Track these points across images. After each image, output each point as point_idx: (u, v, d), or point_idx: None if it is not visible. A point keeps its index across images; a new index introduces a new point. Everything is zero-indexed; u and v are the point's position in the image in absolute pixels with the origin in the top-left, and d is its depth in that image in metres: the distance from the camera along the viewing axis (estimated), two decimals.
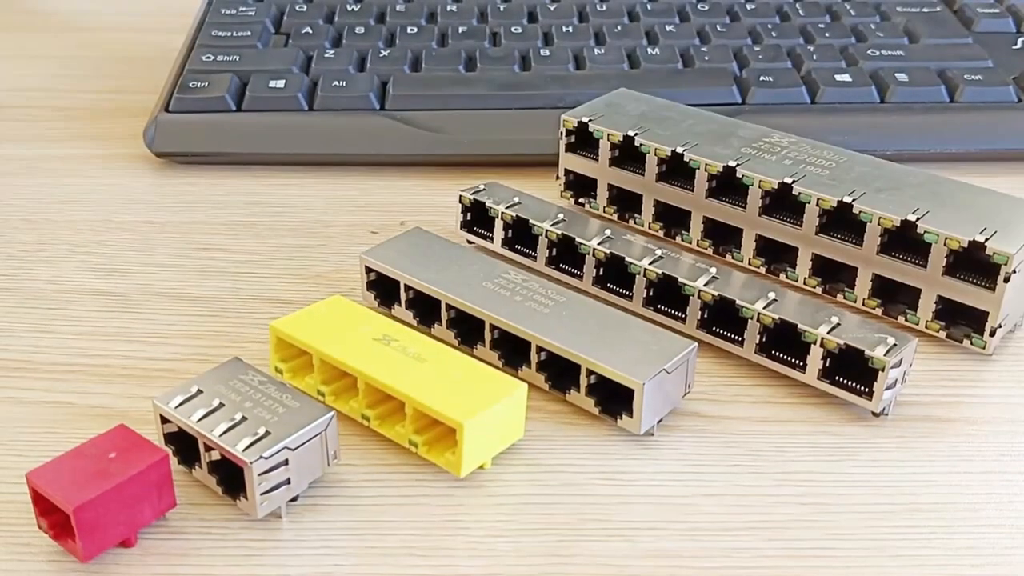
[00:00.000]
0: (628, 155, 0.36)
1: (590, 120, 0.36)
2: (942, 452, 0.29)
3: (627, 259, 0.32)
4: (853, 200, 0.32)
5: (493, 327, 0.30)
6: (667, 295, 0.32)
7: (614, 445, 0.29)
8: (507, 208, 0.35)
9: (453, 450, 0.27)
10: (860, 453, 0.29)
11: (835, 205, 0.32)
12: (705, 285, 0.31)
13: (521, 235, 0.35)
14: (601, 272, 0.33)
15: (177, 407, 0.26)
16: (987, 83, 0.43)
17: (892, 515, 0.27)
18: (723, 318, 0.31)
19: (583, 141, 0.37)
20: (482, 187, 0.36)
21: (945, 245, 0.30)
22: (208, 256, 0.37)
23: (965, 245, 0.30)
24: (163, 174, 0.42)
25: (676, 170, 0.35)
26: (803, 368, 0.30)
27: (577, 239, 0.33)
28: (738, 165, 0.33)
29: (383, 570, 0.25)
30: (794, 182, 0.33)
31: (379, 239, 0.35)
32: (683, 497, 0.27)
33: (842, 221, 0.32)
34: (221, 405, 0.26)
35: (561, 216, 0.34)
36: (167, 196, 0.41)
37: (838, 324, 0.29)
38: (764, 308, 0.30)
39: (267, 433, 0.26)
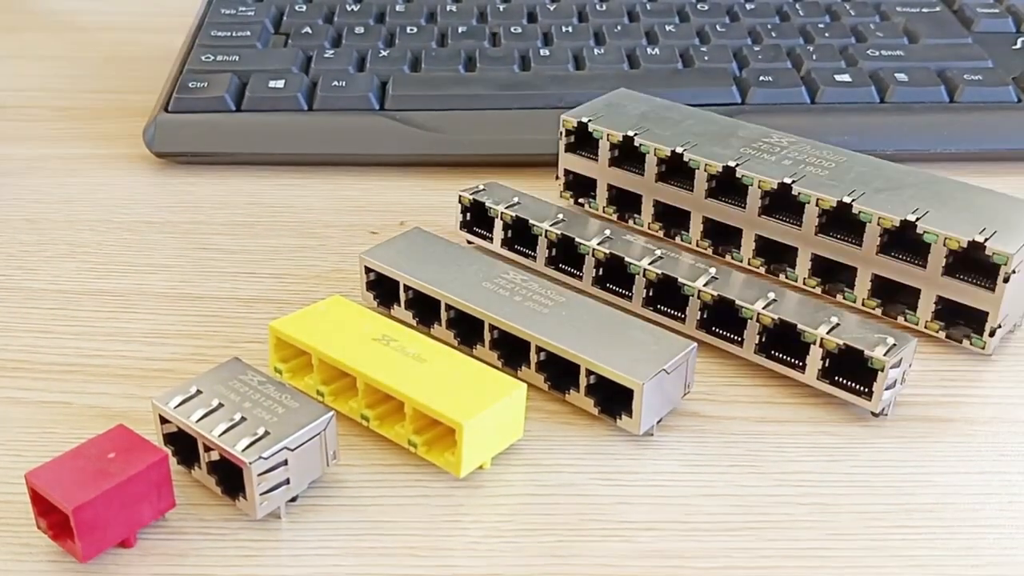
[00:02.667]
0: (628, 155, 0.36)
1: (590, 120, 0.36)
2: (941, 452, 0.29)
3: (627, 259, 0.32)
4: (852, 200, 0.32)
5: (492, 327, 0.30)
6: (667, 295, 0.32)
7: (613, 445, 0.29)
8: (507, 208, 0.35)
9: (452, 450, 0.27)
10: (859, 453, 0.29)
11: (835, 205, 0.32)
12: (705, 285, 0.31)
13: (521, 235, 0.35)
14: (601, 272, 0.33)
15: (176, 407, 0.26)
16: (987, 83, 0.43)
17: (891, 515, 0.27)
18: (723, 318, 0.31)
19: (582, 141, 0.37)
20: (482, 187, 0.36)
21: (944, 245, 0.30)
22: (207, 256, 0.37)
23: (964, 245, 0.30)
24: (163, 174, 0.42)
25: (676, 170, 0.35)
26: (802, 368, 0.30)
27: (577, 239, 0.33)
28: (737, 165, 0.34)
29: (382, 570, 0.25)
30: (793, 182, 0.33)
31: (379, 239, 0.35)
32: (682, 497, 0.27)
33: (842, 221, 0.32)
34: (220, 405, 0.26)
35: (561, 216, 0.34)
36: (167, 196, 0.41)
37: (838, 324, 0.29)
38: (764, 308, 0.30)
39: (266, 433, 0.26)
